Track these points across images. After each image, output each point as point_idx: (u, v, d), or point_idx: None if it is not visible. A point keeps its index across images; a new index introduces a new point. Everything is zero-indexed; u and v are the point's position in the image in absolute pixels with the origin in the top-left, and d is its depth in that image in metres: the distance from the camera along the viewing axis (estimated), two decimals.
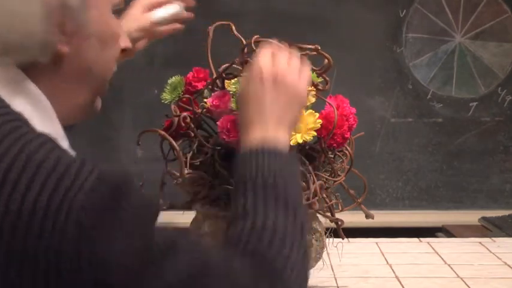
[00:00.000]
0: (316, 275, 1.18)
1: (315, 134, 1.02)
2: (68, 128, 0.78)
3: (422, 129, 2.74)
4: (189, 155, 1.05)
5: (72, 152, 0.70)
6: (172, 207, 1.08)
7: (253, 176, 0.81)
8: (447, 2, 2.71)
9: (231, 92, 1.07)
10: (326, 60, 1.04)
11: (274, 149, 0.84)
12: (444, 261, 1.34)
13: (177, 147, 1.03)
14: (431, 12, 2.71)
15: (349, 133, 1.07)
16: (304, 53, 1.03)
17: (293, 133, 1.01)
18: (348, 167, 1.10)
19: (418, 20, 2.71)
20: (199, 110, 1.09)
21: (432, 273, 1.27)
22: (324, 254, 1.12)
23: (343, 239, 1.08)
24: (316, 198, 1.03)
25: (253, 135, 0.85)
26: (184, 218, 1.17)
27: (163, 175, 1.07)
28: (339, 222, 1.06)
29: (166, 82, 1.14)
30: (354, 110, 1.09)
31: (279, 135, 0.86)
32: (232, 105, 1.04)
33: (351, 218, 1.16)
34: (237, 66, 1.08)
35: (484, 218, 2.48)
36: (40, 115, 0.73)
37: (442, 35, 2.72)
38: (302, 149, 1.06)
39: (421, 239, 1.52)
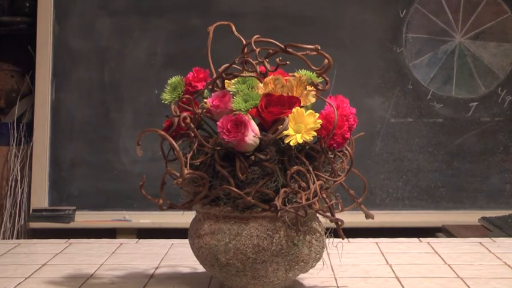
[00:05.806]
0: (316, 275, 1.18)
1: (315, 134, 1.02)
2: None
3: (422, 129, 2.74)
4: (189, 155, 1.05)
5: None
6: (172, 207, 1.09)
7: None
8: (447, 2, 2.71)
9: (231, 92, 1.07)
10: (326, 60, 1.04)
11: None
12: (444, 261, 1.34)
13: (177, 147, 1.03)
14: (431, 12, 2.71)
15: (349, 133, 1.07)
16: (304, 53, 1.03)
17: (293, 133, 1.01)
18: (348, 167, 1.10)
19: (418, 20, 2.71)
20: (199, 110, 1.09)
21: (432, 273, 1.27)
22: (324, 254, 1.12)
23: (343, 239, 1.08)
24: (316, 198, 1.02)
25: None
26: (184, 218, 1.17)
27: (163, 175, 1.06)
28: (339, 222, 1.06)
29: (166, 82, 1.14)
30: (354, 110, 1.09)
31: None
32: (232, 105, 1.04)
33: (351, 218, 1.16)
34: (237, 66, 1.08)
35: (484, 218, 2.48)
36: None
37: (442, 35, 2.72)
38: (302, 149, 1.06)
39: (421, 239, 1.52)
